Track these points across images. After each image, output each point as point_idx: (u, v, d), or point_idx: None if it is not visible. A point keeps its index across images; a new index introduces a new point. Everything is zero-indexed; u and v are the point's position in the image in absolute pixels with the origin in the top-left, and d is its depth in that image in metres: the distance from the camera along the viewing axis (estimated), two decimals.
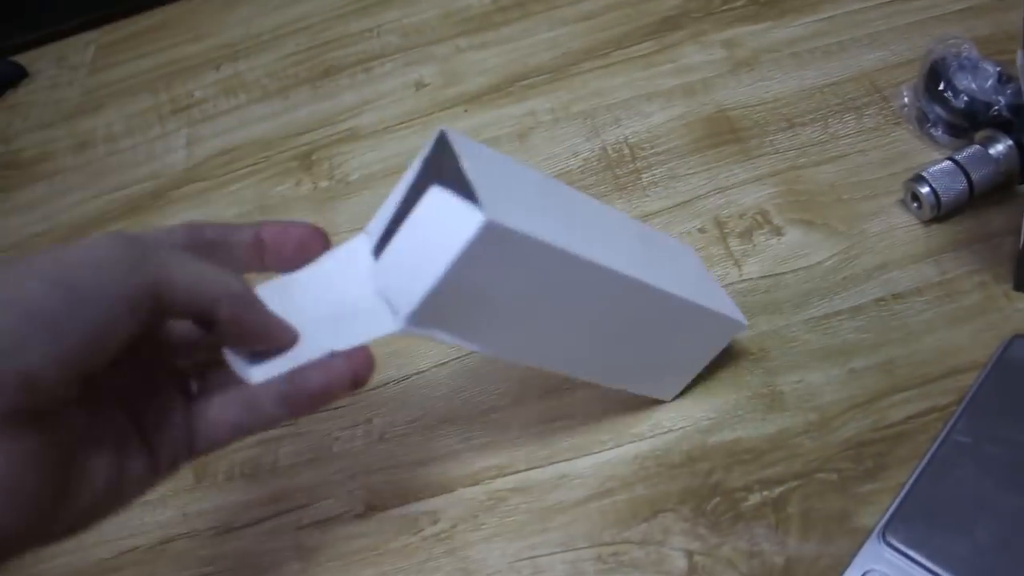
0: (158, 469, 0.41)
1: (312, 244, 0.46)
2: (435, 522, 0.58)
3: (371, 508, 0.60)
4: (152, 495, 0.61)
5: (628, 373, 0.56)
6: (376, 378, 0.64)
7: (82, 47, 1.04)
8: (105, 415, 0.39)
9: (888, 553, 0.49)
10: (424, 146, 0.43)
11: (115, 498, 0.39)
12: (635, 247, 0.51)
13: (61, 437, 0.35)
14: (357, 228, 0.74)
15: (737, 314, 0.57)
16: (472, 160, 0.42)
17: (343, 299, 0.44)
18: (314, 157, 0.82)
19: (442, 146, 0.43)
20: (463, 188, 0.40)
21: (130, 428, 0.40)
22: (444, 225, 0.40)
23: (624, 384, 0.56)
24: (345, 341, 0.42)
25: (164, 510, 0.63)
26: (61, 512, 0.36)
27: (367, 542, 0.58)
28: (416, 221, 0.41)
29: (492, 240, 0.40)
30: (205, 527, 0.61)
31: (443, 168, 0.43)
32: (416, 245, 0.42)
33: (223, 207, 0.81)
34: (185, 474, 0.64)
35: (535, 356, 0.49)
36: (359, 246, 0.46)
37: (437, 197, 0.41)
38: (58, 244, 0.35)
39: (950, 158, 0.64)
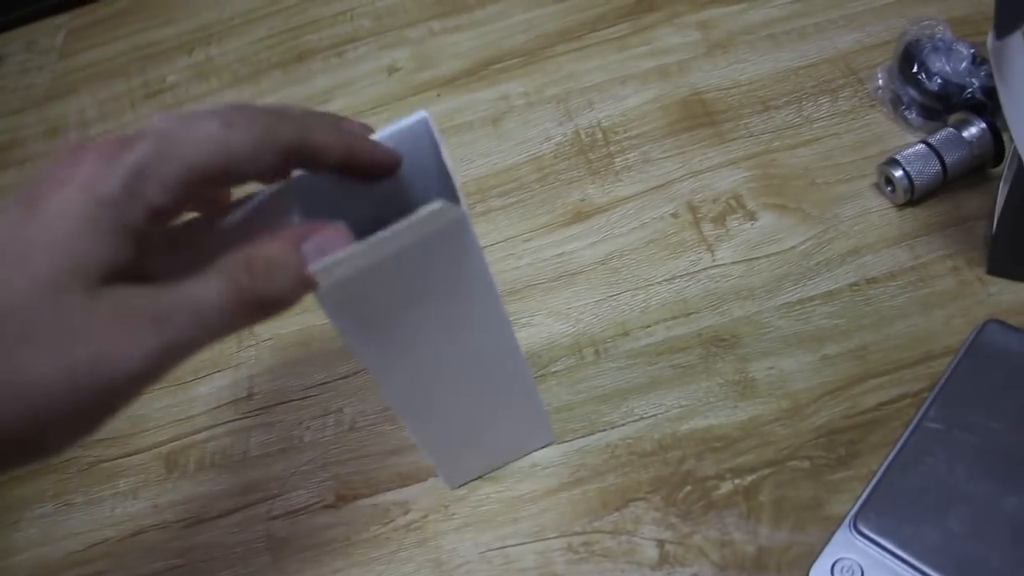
0: None
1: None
2: (406, 512, 0.58)
3: (341, 498, 0.59)
4: (123, 486, 0.61)
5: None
6: (346, 366, 0.64)
7: (52, 31, 1.03)
8: None
9: (859, 542, 0.49)
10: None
11: None
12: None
13: None
14: None
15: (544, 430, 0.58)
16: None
17: None
18: None
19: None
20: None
21: None
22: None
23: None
24: None
25: (135, 502, 0.62)
26: None
27: (338, 532, 0.58)
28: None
29: (451, 236, 0.40)
30: (176, 518, 0.61)
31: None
32: None
33: None
34: (156, 465, 0.63)
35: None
36: None
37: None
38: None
39: (924, 141, 0.64)
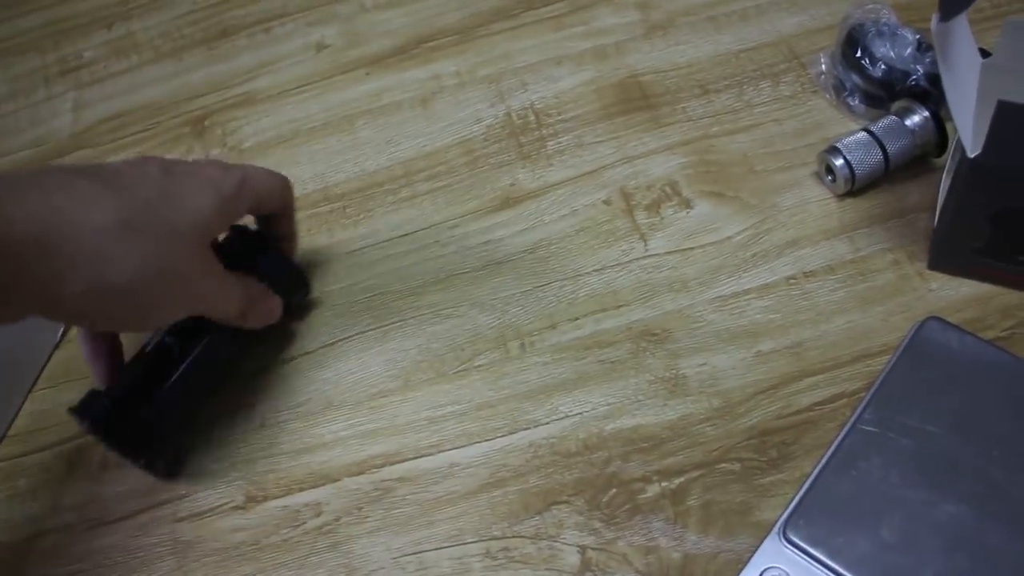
0: None
1: None
2: (318, 514, 0.55)
3: (251, 499, 0.57)
4: (22, 486, 0.59)
5: None
6: (255, 363, 0.62)
7: None
8: None
9: (788, 550, 0.47)
10: None
11: None
12: None
13: None
14: None
15: None
16: None
17: None
18: (207, 123, 0.78)
19: None
20: None
21: None
22: None
23: None
24: None
25: (34, 503, 0.59)
26: None
27: (246, 536, 0.55)
28: None
29: None
30: (77, 520, 0.58)
31: None
32: None
33: None
34: (58, 464, 0.60)
35: None
36: None
37: None
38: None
39: (865, 129, 0.62)
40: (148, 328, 0.57)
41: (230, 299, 0.55)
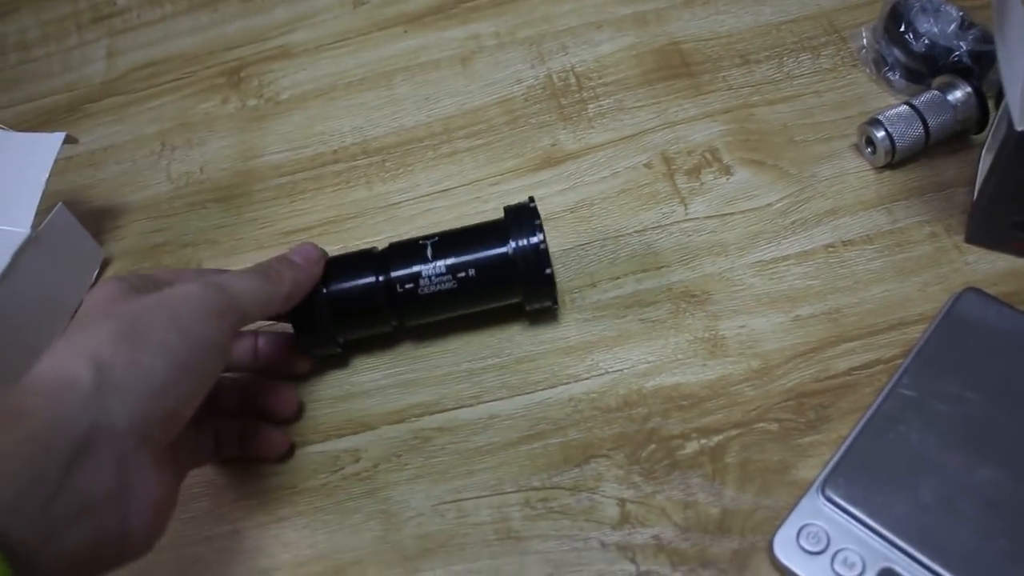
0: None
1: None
2: (356, 460, 0.55)
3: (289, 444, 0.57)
4: None
5: None
6: None
7: None
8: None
9: (827, 508, 0.48)
10: None
11: None
12: None
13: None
14: (285, 150, 0.70)
15: None
16: None
17: None
18: (243, 74, 0.78)
19: None
20: None
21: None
22: None
23: None
24: None
25: None
26: None
27: (284, 480, 0.55)
28: None
29: None
30: None
31: None
32: None
33: (143, 123, 0.76)
34: None
35: None
36: None
37: None
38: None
39: (907, 102, 0.62)
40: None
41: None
